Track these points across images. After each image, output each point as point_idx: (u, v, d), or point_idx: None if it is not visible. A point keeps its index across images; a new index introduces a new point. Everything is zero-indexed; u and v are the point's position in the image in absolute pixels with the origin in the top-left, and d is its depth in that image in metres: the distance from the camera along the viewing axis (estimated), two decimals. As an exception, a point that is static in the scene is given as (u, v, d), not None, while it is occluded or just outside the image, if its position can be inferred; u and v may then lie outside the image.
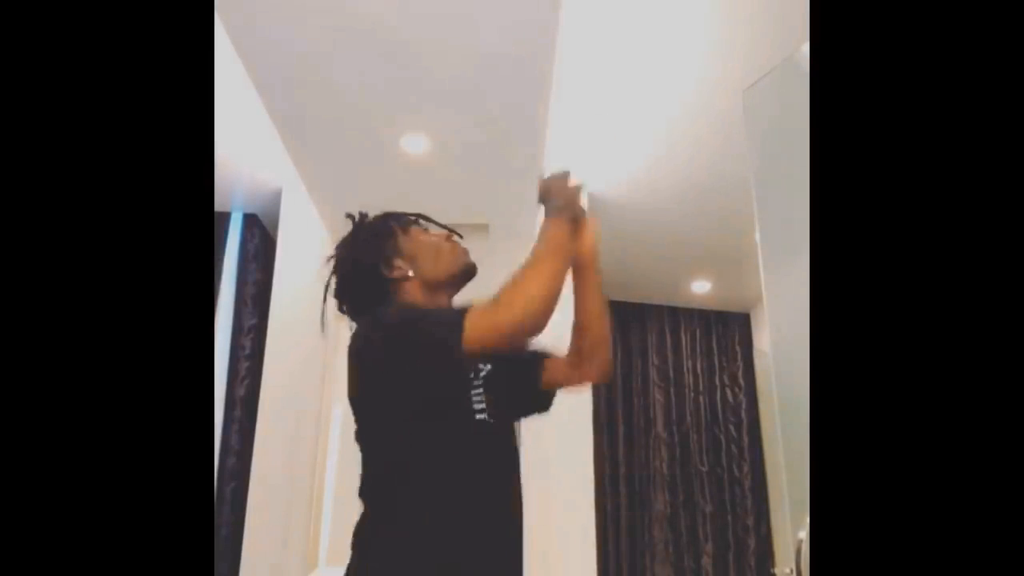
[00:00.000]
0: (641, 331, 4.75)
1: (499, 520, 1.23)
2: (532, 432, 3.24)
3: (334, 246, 1.47)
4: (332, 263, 1.45)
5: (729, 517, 4.47)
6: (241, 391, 3.44)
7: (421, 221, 1.47)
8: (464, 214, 3.20)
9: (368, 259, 1.39)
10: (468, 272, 1.43)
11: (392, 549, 1.16)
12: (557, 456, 3.24)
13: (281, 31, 2.17)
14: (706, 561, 4.38)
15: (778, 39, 2.41)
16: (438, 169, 2.91)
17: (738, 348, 4.81)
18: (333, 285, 1.44)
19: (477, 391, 1.28)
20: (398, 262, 1.38)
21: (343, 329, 1.42)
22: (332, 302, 1.45)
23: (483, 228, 3.30)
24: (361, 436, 1.28)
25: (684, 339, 4.79)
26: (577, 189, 1.30)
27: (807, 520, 1.40)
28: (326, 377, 3.75)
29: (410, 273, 1.38)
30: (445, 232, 1.45)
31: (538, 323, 1.12)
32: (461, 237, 1.46)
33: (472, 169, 2.92)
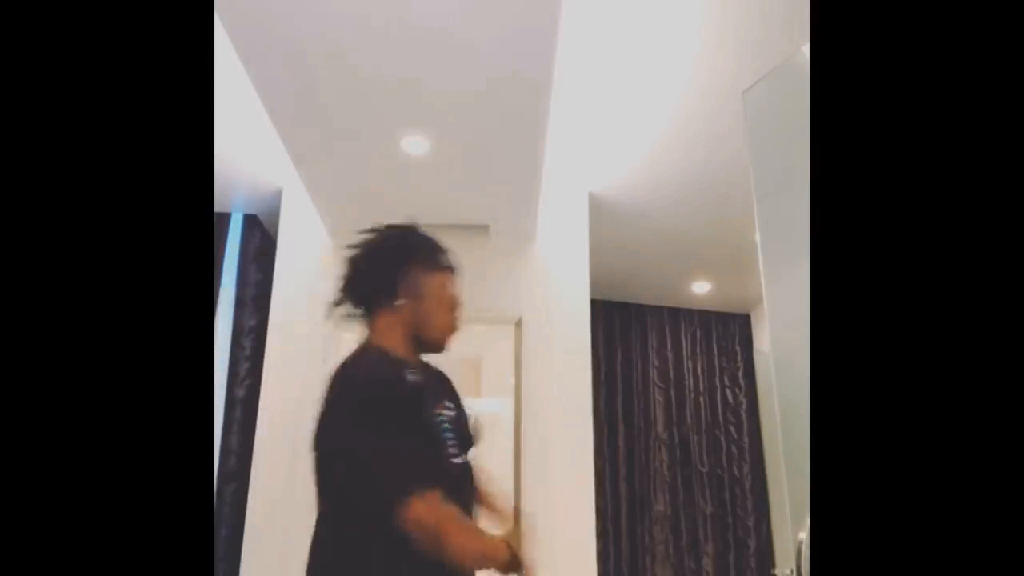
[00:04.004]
0: (641, 331, 4.75)
1: None
2: (532, 432, 3.24)
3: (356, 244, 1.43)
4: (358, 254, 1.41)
5: (729, 518, 4.47)
6: (241, 392, 3.45)
7: (451, 272, 1.43)
8: (464, 214, 3.20)
9: (388, 270, 1.36)
10: (443, 348, 1.41)
11: None
12: (557, 456, 3.24)
13: (281, 31, 2.17)
14: (706, 562, 4.38)
15: (778, 40, 2.41)
16: (438, 170, 2.90)
17: (738, 348, 4.80)
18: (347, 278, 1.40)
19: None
20: (405, 293, 1.36)
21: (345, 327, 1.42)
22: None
23: (483, 228, 3.29)
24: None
25: (684, 339, 4.79)
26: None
27: (807, 521, 1.39)
28: (326, 376, 3.74)
29: (406, 313, 1.35)
30: (455, 299, 1.41)
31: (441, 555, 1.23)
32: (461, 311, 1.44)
33: (472, 169, 2.92)
